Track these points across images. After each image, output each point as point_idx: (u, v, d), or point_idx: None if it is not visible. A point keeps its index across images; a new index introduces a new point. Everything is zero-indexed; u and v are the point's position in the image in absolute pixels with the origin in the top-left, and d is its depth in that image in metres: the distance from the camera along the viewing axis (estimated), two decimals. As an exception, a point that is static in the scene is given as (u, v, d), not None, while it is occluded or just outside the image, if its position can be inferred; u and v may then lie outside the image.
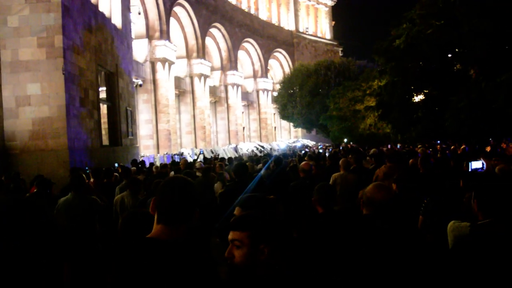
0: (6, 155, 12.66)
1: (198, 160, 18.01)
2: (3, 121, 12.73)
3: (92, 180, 7.98)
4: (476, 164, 6.28)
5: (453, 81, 17.82)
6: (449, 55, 17.99)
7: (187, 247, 2.05)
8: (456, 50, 17.16)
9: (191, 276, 1.92)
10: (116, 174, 9.64)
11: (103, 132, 17.21)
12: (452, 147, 15.25)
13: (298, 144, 42.40)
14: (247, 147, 36.48)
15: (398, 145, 23.71)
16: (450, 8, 13.44)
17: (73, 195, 5.62)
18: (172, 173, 9.83)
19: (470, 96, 13.86)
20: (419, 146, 19.73)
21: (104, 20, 17.09)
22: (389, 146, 23.21)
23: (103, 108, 17.59)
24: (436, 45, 16.12)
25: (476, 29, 11.75)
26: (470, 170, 6.33)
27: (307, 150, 27.68)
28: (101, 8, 16.97)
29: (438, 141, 24.13)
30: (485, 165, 6.25)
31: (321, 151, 24.38)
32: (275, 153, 21.12)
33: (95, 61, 15.80)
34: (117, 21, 18.69)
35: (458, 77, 18.14)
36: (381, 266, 2.87)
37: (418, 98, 20.88)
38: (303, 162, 7.68)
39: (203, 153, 23.90)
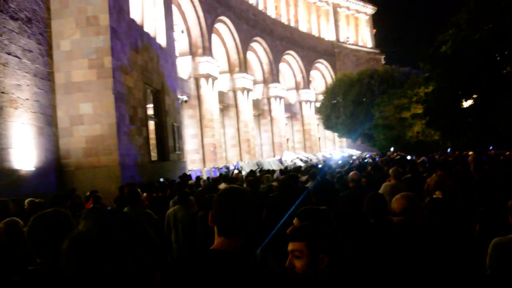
0: (62, 172, 13.23)
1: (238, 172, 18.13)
2: (58, 140, 13.33)
3: (144, 194, 8.20)
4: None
5: (502, 84, 17.20)
6: (498, 58, 17.40)
7: (249, 258, 2.08)
8: (506, 53, 16.58)
9: (255, 286, 1.94)
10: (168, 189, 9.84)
11: (151, 147, 17.67)
12: (508, 152, 14.64)
13: (345, 155, 41.86)
14: (291, 158, 36.39)
15: (449, 149, 22.98)
16: (498, 11, 13.05)
17: (129, 209, 5.82)
18: (222, 185, 9.94)
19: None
20: (470, 152, 19.08)
21: (150, 40, 17.65)
22: (439, 153, 22.53)
23: (151, 124, 18.09)
24: (484, 49, 15.65)
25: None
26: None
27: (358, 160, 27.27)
28: (146, 29, 17.55)
29: (491, 147, 23.24)
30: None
31: (370, 160, 23.94)
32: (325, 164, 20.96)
33: (142, 80, 16.31)
34: (161, 40, 19.26)
35: (508, 80, 17.49)
36: (431, 276, 2.81)
37: (466, 103, 20.27)
38: (352, 172, 7.60)
39: (238, 168, 23.82)
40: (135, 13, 16.53)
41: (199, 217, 6.11)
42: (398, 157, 18.02)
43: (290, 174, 7.36)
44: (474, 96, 19.58)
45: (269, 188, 8.65)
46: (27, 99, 11.70)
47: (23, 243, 2.80)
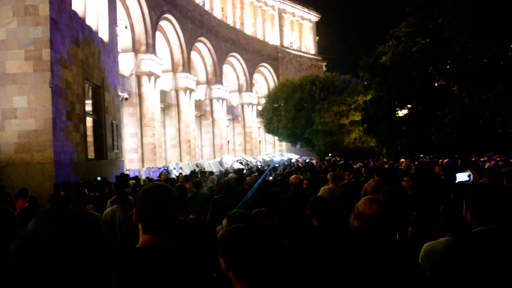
0: (-9, 168, 12.50)
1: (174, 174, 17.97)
2: (-12, 134, 12.59)
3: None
4: (462, 176, 6.41)
5: (436, 96, 18.24)
6: (433, 71, 18.44)
7: (176, 254, 2.08)
8: (439, 66, 17.61)
9: (183, 282, 1.95)
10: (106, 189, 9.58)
11: (89, 145, 17.08)
12: (441, 160, 15.53)
13: (284, 158, 42.55)
14: (231, 161, 36.48)
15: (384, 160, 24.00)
16: (435, 27, 13.85)
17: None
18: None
19: (455, 110, 14.22)
20: (401, 160, 20.04)
21: (91, 34, 17.09)
22: (382, 160, 23.44)
23: (89, 121, 17.49)
24: (421, 61, 16.53)
25: (461, 46, 12.13)
26: (456, 182, 6.46)
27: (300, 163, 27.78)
28: (88, 22, 16.97)
29: (422, 155, 24.51)
30: (472, 177, 6.38)
31: (313, 163, 24.50)
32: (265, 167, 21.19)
33: (82, 75, 15.75)
34: (104, 35, 18.70)
35: (441, 92, 18.57)
36: (375, 278, 2.92)
37: (402, 112, 21.27)
38: (293, 176, 7.76)
39: (167, 169, 23.51)
40: (77, 5, 15.93)
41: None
42: (341, 161, 18.59)
43: (237, 176, 7.40)
44: (409, 106, 20.60)
45: (211, 190, 8.66)
46: (-46, 89, 10.97)
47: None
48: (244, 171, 16.68)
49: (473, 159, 16.66)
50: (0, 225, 2.21)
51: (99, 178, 13.89)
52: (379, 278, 2.82)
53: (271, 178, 12.15)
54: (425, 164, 14.59)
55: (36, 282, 1.10)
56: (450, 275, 2.89)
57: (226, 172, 17.85)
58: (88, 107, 17.42)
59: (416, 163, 16.21)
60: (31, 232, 1.16)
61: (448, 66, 17.05)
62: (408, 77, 17.74)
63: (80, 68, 15.50)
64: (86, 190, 5.96)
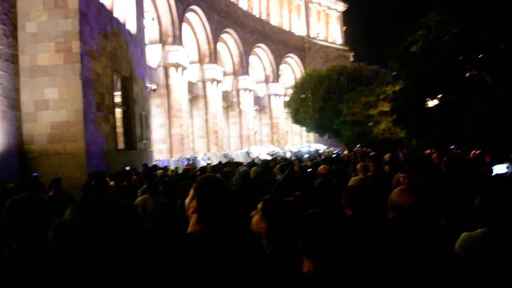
0: (25, 158, 12.81)
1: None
2: (21, 125, 12.89)
3: (112, 183, 8.04)
4: (500, 169, 6.18)
5: (467, 86, 17.74)
6: (464, 61, 17.94)
7: (223, 244, 2.15)
8: (472, 56, 17.10)
9: (229, 271, 2.00)
10: (135, 177, 9.70)
11: (118, 136, 17.34)
12: (476, 152, 15.08)
13: (312, 149, 42.33)
14: (259, 152, 36.50)
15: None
16: (469, 15, 13.43)
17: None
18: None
19: (488, 100, 13.80)
20: (433, 150, 19.61)
21: (119, 26, 17.26)
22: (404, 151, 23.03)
23: (118, 112, 17.74)
24: (452, 51, 16.09)
25: (496, 35, 11.73)
26: (493, 174, 6.24)
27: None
28: (116, 14, 17.14)
29: (452, 146, 23.94)
30: (510, 169, 6.14)
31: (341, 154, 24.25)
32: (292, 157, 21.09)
33: (111, 67, 15.95)
34: (131, 27, 18.87)
35: (473, 82, 18.06)
36: (412, 269, 2.84)
37: (432, 103, 20.81)
38: (322, 166, 7.67)
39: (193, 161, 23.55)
40: (105, -3, 16.10)
41: (179, 205, 6.04)
42: (373, 153, 18.35)
43: (264, 166, 7.37)
44: (439, 96, 20.12)
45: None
46: (-11, 81, 11.25)
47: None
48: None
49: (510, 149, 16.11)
50: (37, 213, 2.22)
51: (127, 168, 14.09)
52: (416, 269, 2.75)
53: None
54: (456, 156, 14.23)
55: (72, 269, 1.08)
56: (489, 265, 2.79)
57: (252, 163, 17.85)
58: (117, 99, 17.65)
59: (448, 155, 15.82)
60: (68, 220, 1.14)
61: (480, 56, 16.56)
62: (439, 66, 17.30)
63: (109, 60, 15.70)
64: (107, 179, 6.02)
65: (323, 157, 20.56)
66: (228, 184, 2.33)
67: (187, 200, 2.27)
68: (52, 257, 1.11)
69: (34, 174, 11.49)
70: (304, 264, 2.15)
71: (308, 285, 2.05)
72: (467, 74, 19.07)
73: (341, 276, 2.11)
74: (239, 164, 16.00)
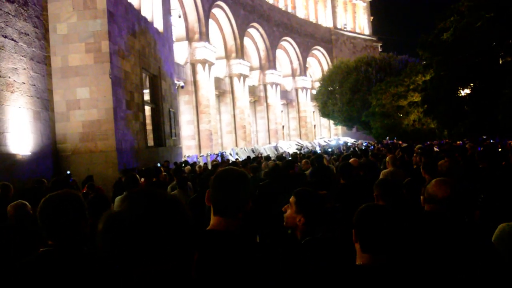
0: (58, 157, 13.14)
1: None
2: (55, 124, 13.22)
3: (142, 180, 8.17)
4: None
5: (501, 73, 17.18)
6: (498, 47, 17.35)
7: (243, 237, 2.12)
8: (506, 41, 16.53)
9: (249, 265, 1.97)
10: (165, 173, 9.82)
11: (147, 133, 17.59)
12: (510, 142, 14.62)
13: (340, 142, 41.96)
14: (287, 146, 36.41)
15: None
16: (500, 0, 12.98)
17: (128, 195, 5.76)
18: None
19: (523, 88, 13.36)
20: (465, 141, 19.13)
21: (147, 25, 17.46)
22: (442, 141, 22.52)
23: (147, 110, 17.98)
24: (485, 37, 15.57)
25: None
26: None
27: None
28: (143, 13, 17.34)
29: (484, 136, 23.32)
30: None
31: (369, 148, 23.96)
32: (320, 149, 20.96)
33: (139, 65, 16.17)
34: (158, 25, 19.06)
35: (507, 70, 17.47)
36: (448, 263, 2.79)
37: (464, 92, 20.26)
38: (352, 159, 7.60)
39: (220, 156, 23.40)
40: (132, -3, 16.31)
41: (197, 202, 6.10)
42: (405, 145, 18.05)
43: (288, 160, 7.35)
44: (471, 84, 19.57)
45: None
46: (23, 83, 11.56)
47: (32, 226, 2.76)
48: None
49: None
50: (71, 210, 2.28)
51: (158, 165, 14.28)
52: (453, 263, 2.70)
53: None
54: (490, 146, 13.84)
55: (124, 260, 1.10)
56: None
57: (281, 156, 17.83)
58: (146, 96, 17.89)
59: (482, 145, 15.43)
60: (119, 212, 1.16)
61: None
62: (472, 54, 16.79)
63: (137, 58, 15.91)
64: (137, 175, 6.11)
65: (351, 150, 20.33)
66: (246, 177, 2.26)
67: (207, 194, 2.26)
68: (102, 247, 1.12)
69: (67, 173, 11.80)
70: (358, 257, 2.15)
71: (365, 277, 2.04)
72: (501, 61, 18.47)
73: (400, 269, 2.10)
74: (268, 158, 16.00)
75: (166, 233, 1.13)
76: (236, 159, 19.98)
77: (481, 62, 17.09)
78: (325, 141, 43.34)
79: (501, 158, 6.72)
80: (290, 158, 13.07)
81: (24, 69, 11.67)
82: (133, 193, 1.21)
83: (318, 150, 27.46)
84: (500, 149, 12.31)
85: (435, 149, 14.29)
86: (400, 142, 28.15)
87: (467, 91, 19.99)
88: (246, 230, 2.42)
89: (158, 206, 1.17)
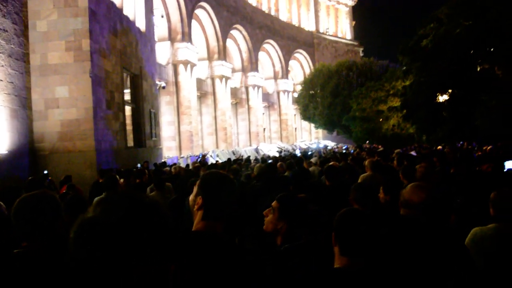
0: (36, 156, 12.93)
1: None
2: (32, 123, 13.00)
3: (122, 180, 8.08)
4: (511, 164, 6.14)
5: (479, 80, 17.55)
6: (476, 55, 17.73)
7: (230, 240, 2.15)
8: (484, 49, 16.90)
9: (236, 268, 1.98)
10: (146, 175, 9.73)
11: (128, 133, 17.42)
12: (488, 147, 14.93)
13: (321, 145, 42.24)
14: (268, 148, 36.48)
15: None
16: (479, 8, 13.26)
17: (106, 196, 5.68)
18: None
19: (500, 95, 13.64)
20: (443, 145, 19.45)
21: (129, 24, 17.31)
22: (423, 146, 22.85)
23: (128, 110, 17.81)
24: (463, 44, 15.91)
25: (509, 28, 11.56)
26: (505, 170, 6.20)
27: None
28: (125, 12, 17.19)
29: (462, 142, 23.76)
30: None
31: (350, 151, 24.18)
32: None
33: (120, 64, 16.01)
34: (141, 24, 18.92)
35: (485, 77, 17.85)
36: (421, 267, 2.83)
37: (442, 98, 20.61)
38: (331, 163, 7.65)
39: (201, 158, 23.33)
40: (114, -5, 16.15)
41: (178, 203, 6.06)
42: (381, 149, 18.26)
43: (268, 163, 7.37)
44: (450, 90, 19.93)
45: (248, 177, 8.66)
46: (0, 80, 11.34)
47: (6, 226, 2.71)
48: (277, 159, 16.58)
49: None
50: (46, 211, 2.24)
51: (139, 165, 14.16)
52: (425, 267, 2.73)
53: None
54: (466, 151, 14.10)
55: (97, 266, 1.07)
56: (501, 260, 2.77)
57: (263, 159, 17.86)
58: (127, 96, 17.72)
59: (459, 151, 15.70)
60: (92, 217, 1.11)
61: (493, 49, 16.34)
62: (450, 61, 17.12)
63: (118, 58, 15.76)
64: (117, 176, 6.04)
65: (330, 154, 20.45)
66: (233, 180, 2.30)
67: (191, 197, 2.26)
68: (77, 253, 1.09)
69: (44, 172, 11.61)
70: (337, 260, 2.17)
71: (342, 280, 2.05)
72: (479, 68, 18.86)
73: (377, 271, 2.12)
74: (249, 160, 15.98)
75: (145, 237, 1.10)
76: (217, 161, 19.93)
77: (459, 69, 17.45)
78: (305, 144, 43.58)
79: (478, 163, 6.86)
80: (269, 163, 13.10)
81: (2, 66, 11.45)
82: (108, 197, 1.18)
83: (298, 153, 27.59)
84: (477, 154, 12.57)
85: (413, 153, 14.50)
86: (379, 146, 28.50)
87: (446, 97, 20.35)
88: (230, 232, 2.43)
89: (136, 210, 1.13)
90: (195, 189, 2.25)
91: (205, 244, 2.04)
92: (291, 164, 10.16)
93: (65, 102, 13.09)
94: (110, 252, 1.07)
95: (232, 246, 2.13)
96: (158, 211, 1.17)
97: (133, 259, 1.08)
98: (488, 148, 16.38)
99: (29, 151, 12.69)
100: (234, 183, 2.27)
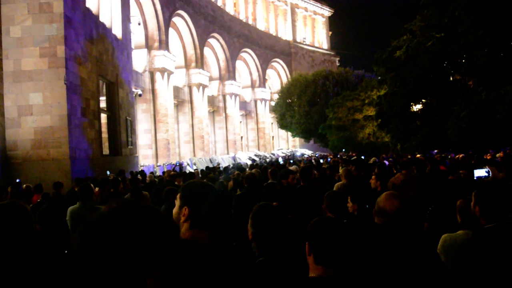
0: (8, 164, 12.67)
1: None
2: (5, 130, 12.74)
3: (97, 189, 7.99)
4: (480, 172, 6.32)
5: (451, 90, 18.00)
6: (448, 66, 18.19)
7: (219, 250, 2.17)
8: (455, 60, 17.37)
9: (224, 277, 2.01)
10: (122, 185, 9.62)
11: (103, 141, 17.21)
12: (459, 156, 15.31)
13: (297, 153, 42.50)
14: (245, 157, 36.50)
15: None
16: (451, 21, 13.65)
17: (80, 205, 5.62)
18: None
19: (471, 105, 14.01)
20: (417, 155, 19.80)
21: (105, 31, 17.18)
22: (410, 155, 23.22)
23: (103, 118, 17.62)
24: (436, 56, 16.32)
25: (478, 40, 11.93)
26: (475, 178, 6.37)
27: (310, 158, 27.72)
28: (102, 19, 17.06)
29: (435, 151, 24.24)
30: (490, 173, 6.27)
31: (321, 160, 24.44)
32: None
33: (96, 71, 15.86)
34: (117, 31, 18.79)
35: (457, 87, 18.32)
36: (394, 274, 2.88)
37: (416, 107, 21.02)
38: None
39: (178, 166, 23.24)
40: (90, 2, 16.01)
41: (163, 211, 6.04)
42: (354, 157, 18.49)
43: (248, 173, 7.42)
44: (423, 100, 20.36)
45: (222, 185, 8.70)
46: (-28, 86, 11.12)
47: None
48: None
49: (489, 156, 16.36)
50: (17, 222, 2.22)
51: (108, 173, 13.95)
52: (399, 274, 2.79)
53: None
54: (438, 160, 14.41)
55: (100, 275, 1.07)
56: (470, 267, 2.85)
57: (240, 167, 17.87)
58: (103, 104, 17.54)
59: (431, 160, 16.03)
60: (91, 227, 1.12)
61: (464, 61, 16.81)
62: (423, 71, 17.53)
63: (94, 65, 15.61)
64: (92, 185, 5.98)
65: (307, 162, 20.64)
66: (214, 188, 2.33)
67: (175, 210, 2.24)
68: (80, 262, 1.08)
69: (17, 181, 11.37)
70: (311, 269, 2.17)
71: None
72: (451, 79, 19.35)
73: (352, 279, 2.15)
74: (227, 168, 15.98)
75: (142, 248, 1.10)
76: (195, 169, 19.85)
77: (432, 79, 17.87)
78: (283, 152, 43.75)
79: (449, 171, 7.03)
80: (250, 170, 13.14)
81: (-26, 72, 11.22)
82: (110, 207, 1.17)
83: (281, 160, 27.72)
84: (449, 163, 12.86)
85: (386, 162, 14.75)
86: (353, 154, 28.85)
87: (419, 106, 20.77)
88: (218, 240, 2.44)
89: (134, 220, 1.13)
90: (177, 202, 2.24)
91: (192, 253, 2.03)
92: (274, 172, 10.21)
93: (39, 109, 12.89)
94: (117, 262, 1.07)
95: (219, 256, 2.13)
96: (167, 221, 1.18)
97: (141, 270, 1.08)
98: (460, 156, 16.80)
99: (1, 159, 12.43)
100: (216, 191, 2.30)
